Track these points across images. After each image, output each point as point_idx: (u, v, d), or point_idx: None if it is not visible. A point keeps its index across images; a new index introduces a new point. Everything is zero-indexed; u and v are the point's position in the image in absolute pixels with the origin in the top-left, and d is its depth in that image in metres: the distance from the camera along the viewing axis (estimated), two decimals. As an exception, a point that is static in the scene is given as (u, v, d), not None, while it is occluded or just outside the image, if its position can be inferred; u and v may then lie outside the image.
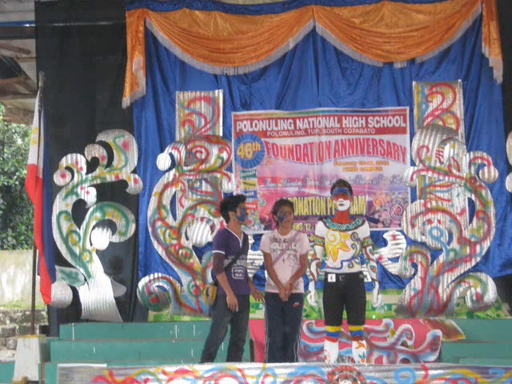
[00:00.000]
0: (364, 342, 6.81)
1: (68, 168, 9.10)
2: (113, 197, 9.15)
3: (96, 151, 9.12)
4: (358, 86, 9.18)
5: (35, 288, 8.39)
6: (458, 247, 8.70)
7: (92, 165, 9.11)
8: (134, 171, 9.13)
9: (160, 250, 9.02)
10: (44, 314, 11.63)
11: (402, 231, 8.88)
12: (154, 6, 9.31)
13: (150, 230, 9.05)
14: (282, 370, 5.85)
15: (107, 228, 9.00)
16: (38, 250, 8.37)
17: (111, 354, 7.88)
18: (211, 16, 9.27)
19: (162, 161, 9.10)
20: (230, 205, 6.85)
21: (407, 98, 9.13)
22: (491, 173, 8.75)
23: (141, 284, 8.96)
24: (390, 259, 8.87)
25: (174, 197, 9.12)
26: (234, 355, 6.67)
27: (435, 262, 8.70)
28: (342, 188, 6.96)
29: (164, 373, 5.89)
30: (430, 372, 5.76)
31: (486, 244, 8.71)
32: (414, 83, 9.10)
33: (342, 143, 9.15)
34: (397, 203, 9.05)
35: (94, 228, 9.01)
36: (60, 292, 8.84)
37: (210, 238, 8.85)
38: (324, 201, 9.09)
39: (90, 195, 9.05)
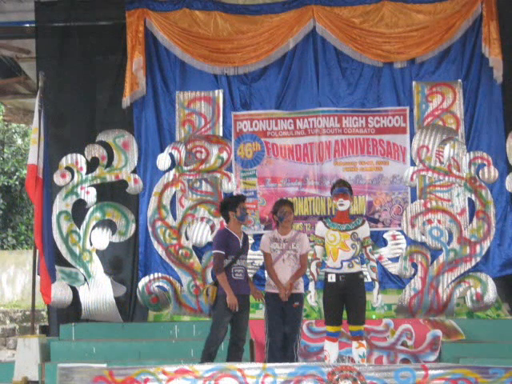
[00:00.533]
0: (364, 342, 6.80)
1: (68, 168, 9.10)
2: (113, 197, 9.15)
3: (96, 151, 9.12)
4: (358, 86, 9.17)
5: (35, 288, 8.39)
6: (457, 247, 8.70)
7: (92, 165, 9.11)
8: (134, 171, 9.13)
9: (160, 250, 9.02)
10: (44, 314, 11.63)
11: (402, 231, 8.88)
12: (154, 6, 9.31)
13: (150, 229, 9.05)
14: (282, 369, 5.85)
15: (107, 228, 9.00)
16: (37, 250, 8.37)
17: (111, 354, 7.88)
18: (211, 16, 9.27)
19: (162, 161, 9.10)
20: (230, 205, 6.85)
21: (407, 98, 9.13)
22: (491, 173, 8.75)
23: (141, 284, 8.96)
24: (390, 259, 8.87)
25: (174, 197, 9.12)
26: (234, 355, 6.67)
27: (435, 261, 8.70)
28: (342, 188, 6.96)
29: (164, 373, 5.89)
30: (430, 372, 5.76)
31: (486, 244, 8.71)
32: (414, 83, 9.10)
33: (342, 143, 9.15)
34: (397, 203, 9.05)
35: (94, 228, 9.01)
36: (60, 292, 8.84)
37: (210, 238, 8.85)
38: (324, 201, 9.09)
39: (89, 195, 9.05)
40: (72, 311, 8.98)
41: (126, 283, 9.11)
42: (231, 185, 9.09)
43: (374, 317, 8.48)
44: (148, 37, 9.32)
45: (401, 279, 8.82)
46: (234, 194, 8.73)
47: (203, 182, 9.13)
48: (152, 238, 9.04)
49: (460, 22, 8.99)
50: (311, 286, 7.06)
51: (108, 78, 9.48)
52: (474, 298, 8.61)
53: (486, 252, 8.72)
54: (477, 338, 8.12)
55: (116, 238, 9.01)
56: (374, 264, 6.94)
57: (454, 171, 8.83)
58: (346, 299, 6.76)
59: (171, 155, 9.10)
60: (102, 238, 8.99)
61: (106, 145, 9.14)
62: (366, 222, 7.01)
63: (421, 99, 9.08)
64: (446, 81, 9.10)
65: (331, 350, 6.80)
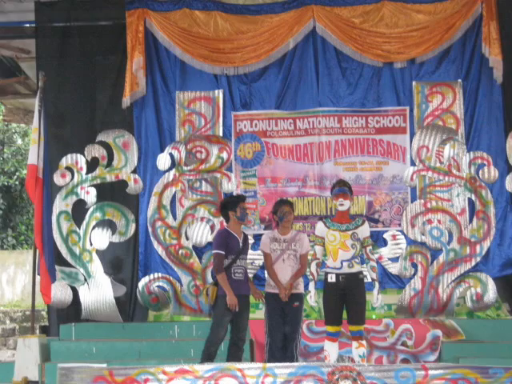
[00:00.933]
0: (364, 342, 6.81)
1: (68, 168, 9.10)
2: (113, 197, 9.15)
3: (96, 151, 9.12)
4: (358, 86, 9.17)
5: (35, 288, 8.38)
6: (458, 247, 8.70)
7: (92, 165, 9.11)
8: (134, 171, 9.13)
9: (160, 250, 9.02)
10: (44, 314, 11.63)
11: (401, 231, 8.88)
12: (154, 6, 9.31)
13: (150, 230, 9.05)
14: (282, 370, 5.86)
15: (107, 228, 9.00)
16: (38, 250, 8.36)
17: (111, 354, 7.88)
18: (211, 16, 9.27)
19: (162, 161, 9.10)
20: (229, 205, 6.85)
21: (407, 97, 9.13)
22: (491, 173, 8.75)
23: (141, 284, 8.96)
24: (390, 259, 8.86)
25: (173, 197, 9.12)
26: (234, 355, 6.67)
27: (435, 262, 8.70)
28: (342, 188, 6.96)
29: (164, 373, 5.90)
30: (430, 372, 5.76)
31: (486, 244, 8.71)
32: (414, 83, 9.09)
33: (341, 143, 9.15)
34: (397, 203, 9.05)
35: (94, 228, 9.01)
36: (60, 292, 8.85)
37: (210, 238, 8.85)
38: (324, 201, 9.08)
39: (90, 195, 9.05)
40: (72, 311, 8.98)
41: (126, 283, 9.10)
42: (231, 185, 9.09)
43: (374, 317, 8.48)
44: (148, 37, 9.31)
45: (401, 279, 8.82)
46: (234, 193, 8.73)
47: (203, 182, 9.13)
48: (152, 238, 9.04)
49: (460, 22, 8.99)
50: (311, 286, 7.05)
51: (108, 78, 9.47)
52: (474, 297, 8.61)
53: (486, 252, 8.72)
54: (477, 338, 8.12)
55: (116, 238, 9.01)
56: (374, 264, 6.95)
57: (454, 171, 8.83)
58: (346, 299, 6.76)
59: (171, 155, 9.10)
60: (101, 238, 8.99)
61: (106, 145, 9.14)
62: (366, 222, 7.02)
63: (421, 99, 9.07)
64: (446, 81, 9.10)
65: (331, 350, 6.80)
